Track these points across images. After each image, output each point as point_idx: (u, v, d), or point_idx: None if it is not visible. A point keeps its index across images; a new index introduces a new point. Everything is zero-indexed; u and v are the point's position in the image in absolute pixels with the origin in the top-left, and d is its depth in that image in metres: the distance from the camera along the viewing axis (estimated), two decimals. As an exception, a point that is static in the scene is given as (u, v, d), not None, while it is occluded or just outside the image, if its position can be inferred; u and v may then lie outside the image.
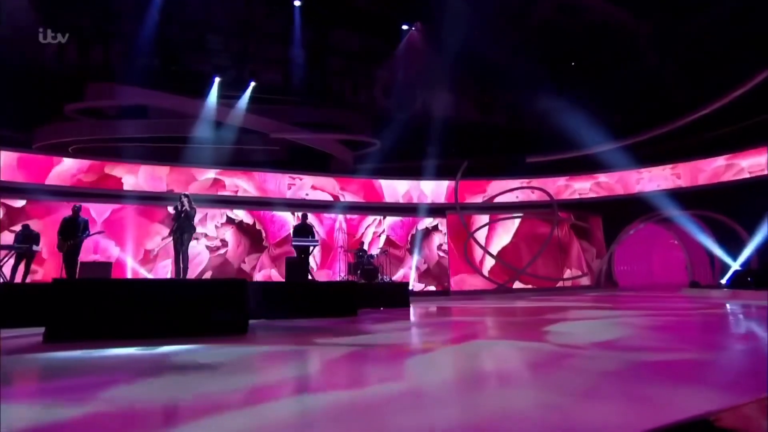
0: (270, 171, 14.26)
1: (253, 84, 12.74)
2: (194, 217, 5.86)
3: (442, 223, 15.32)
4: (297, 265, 8.38)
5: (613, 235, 15.20)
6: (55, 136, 11.24)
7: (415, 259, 15.13)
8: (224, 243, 13.86)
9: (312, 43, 12.72)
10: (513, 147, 15.83)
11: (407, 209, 15.37)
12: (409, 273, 14.75)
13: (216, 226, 13.37)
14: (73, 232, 6.52)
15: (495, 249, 14.95)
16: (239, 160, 14.18)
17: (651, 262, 15.89)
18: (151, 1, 10.00)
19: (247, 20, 12.38)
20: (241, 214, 13.74)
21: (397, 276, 14.53)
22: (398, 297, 9.31)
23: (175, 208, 5.67)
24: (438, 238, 15.30)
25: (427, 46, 13.15)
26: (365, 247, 10.87)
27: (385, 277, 10.31)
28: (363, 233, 14.23)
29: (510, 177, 15.59)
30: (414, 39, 13.27)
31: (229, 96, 12.49)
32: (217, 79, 12.24)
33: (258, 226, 14.12)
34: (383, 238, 14.43)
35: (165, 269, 12.10)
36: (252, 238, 13.91)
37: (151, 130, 12.08)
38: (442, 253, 15.21)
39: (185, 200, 5.76)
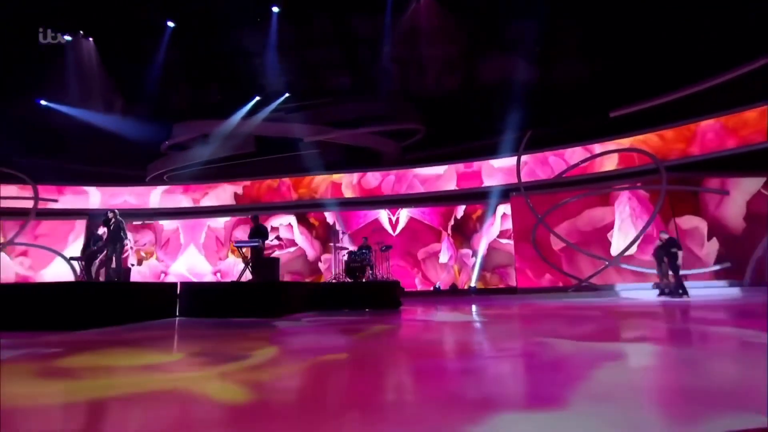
0: (323, 173, 14.73)
1: (287, 95, 13.63)
2: (122, 228, 6.68)
3: (501, 208, 12.97)
4: (265, 264, 8.54)
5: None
6: (156, 169, 14.67)
7: (481, 252, 13.21)
8: (292, 243, 15.10)
9: (334, 38, 12.60)
10: (590, 102, 12.00)
11: (459, 197, 13.56)
12: (454, 270, 13.00)
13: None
14: (87, 246, 8.39)
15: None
16: (299, 167, 15.10)
17: None
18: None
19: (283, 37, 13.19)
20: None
21: (444, 276, 13.03)
22: (385, 297, 8.38)
23: (104, 223, 6.61)
24: (498, 225, 12.99)
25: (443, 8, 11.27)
26: (368, 242, 10.12)
27: (382, 275, 9.42)
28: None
29: (589, 141, 11.87)
30: (421, 8, 11.60)
31: (262, 110, 13.73)
32: (256, 98, 13.64)
33: (338, 226, 14.54)
34: (402, 222, 13.14)
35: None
36: (324, 237, 14.57)
37: (218, 152, 14.36)
38: (507, 241, 12.85)
39: (111, 215, 6.65)
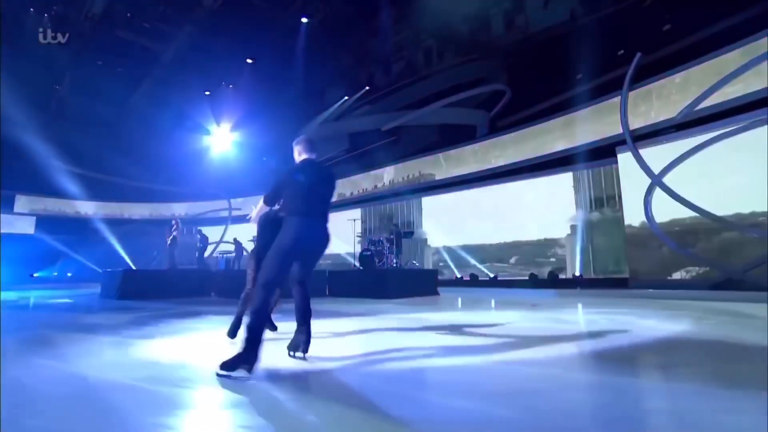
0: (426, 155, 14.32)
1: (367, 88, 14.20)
2: (176, 234, 9.02)
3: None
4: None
5: None
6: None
7: (579, 230, 10.26)
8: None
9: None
10: None
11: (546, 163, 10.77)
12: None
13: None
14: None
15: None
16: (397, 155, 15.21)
17: None
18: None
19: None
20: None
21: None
22: (374, 287, 7.97)
23: (171, 225, 9.10)
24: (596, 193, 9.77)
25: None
26: (397, 230, 9.25)
27: (399, 263, 8.90)
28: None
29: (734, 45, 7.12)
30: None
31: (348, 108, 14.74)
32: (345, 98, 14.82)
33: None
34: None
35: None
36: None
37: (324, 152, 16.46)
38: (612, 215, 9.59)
39: (173, 223, 9.07)
